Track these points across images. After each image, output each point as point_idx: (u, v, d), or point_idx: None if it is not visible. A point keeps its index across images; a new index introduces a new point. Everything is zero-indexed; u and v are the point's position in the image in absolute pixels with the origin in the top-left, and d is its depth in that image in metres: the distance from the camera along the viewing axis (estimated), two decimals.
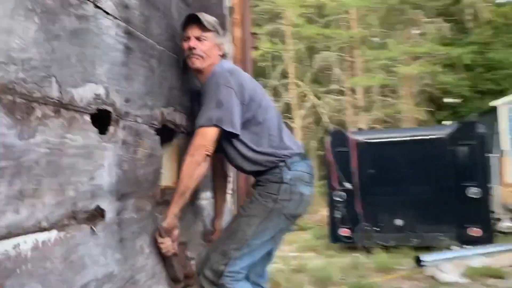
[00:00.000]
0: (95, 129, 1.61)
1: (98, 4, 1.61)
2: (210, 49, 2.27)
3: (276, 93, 18.24)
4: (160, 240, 2.02)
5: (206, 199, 2.76)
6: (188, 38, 2.25)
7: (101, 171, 1.63)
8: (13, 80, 1.20)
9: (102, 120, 1.71)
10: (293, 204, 2.28)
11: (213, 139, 2.13)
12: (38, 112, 1.32)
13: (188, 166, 2.08)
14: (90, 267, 1.56)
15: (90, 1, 1.56)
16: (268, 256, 2.50)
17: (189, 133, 2.35)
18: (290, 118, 17.77)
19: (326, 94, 18.78)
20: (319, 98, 18.68)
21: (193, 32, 2.25)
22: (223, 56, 2.38)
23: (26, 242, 1.28)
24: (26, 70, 1.25)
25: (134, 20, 1.88)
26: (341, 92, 18.87)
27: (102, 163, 1.64)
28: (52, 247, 1.39)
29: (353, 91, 18.93)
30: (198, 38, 2.25)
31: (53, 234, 1.40)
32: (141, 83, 1.92)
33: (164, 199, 2.17)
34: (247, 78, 2.34)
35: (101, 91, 1.62)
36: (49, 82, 1.35)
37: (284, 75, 18.81)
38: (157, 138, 2.09)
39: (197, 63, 2.27)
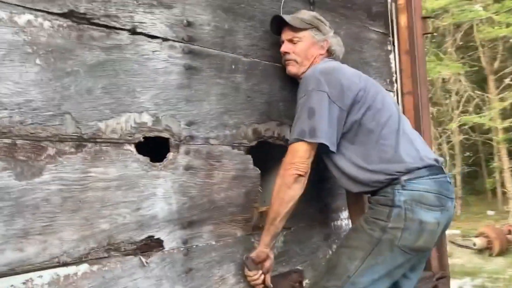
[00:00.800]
0: (142, 158, 1.57)
1: (139, 30, 1.57)
2: (306, 50, 1.98)
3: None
4: (246, 272, 1.85)
5: (345, 218, 2.43)
6: (282, 42, 2.01)
7: (151, 200, 1.58)
8: (7, 125, 1.26)
9: (160, 147, 1.67)
10: (409, 235, 1.75)
11: (305, 155, 1.80)
12: (51, 151, 1.35)
13: (278, 189, 1.83)
14: None
15: (124, 30, 1.53)
16: None
17: None
18: None
19: None
20: None
21: (285, 35, 1.98)
22: (329, 54, 2.05)
23: (42, 277, 1.33)
24: (24, 113, 1.29)
25: (202, 37, 1.77)
26: None
27: (154, 192, 1.59)
28: (80, 280, 1.40)
29: None
30: (291, 41, 1.99)
31: (82, 267, 1.41)
32: (214, 103, 1.80)
33: (263, 224, 1.98)
34: (351, 75, 1.91)
35: (145, 118, 1.57)
36: (60, 120, 1.37)
37: None
38: (248, 157, 1.93)
39: (292, 70, 2.00)
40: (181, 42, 1.70)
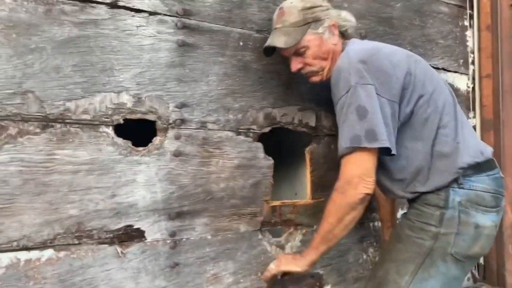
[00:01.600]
0: (121, 141, 1.47)
1: (121, 4, 1.45)
2: (318, 53, 1.62)
3: None
4: (264, 276, 1.69)
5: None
6: (285, 57, 1.69)
7: (130, 187, 1.48)
8: None
9: (147, 130, 1.56)
10: (463, 241, 1.49)
11: (369, 165, 1.46)
12: (12, 130, 1.30)
13: (338, 208, 1.49)
14: None
15: (103, 3, 1.42)
16: None
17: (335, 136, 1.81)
18: None
19: None
20: None
21: (287, 51, 1.63)
22: (344, 35, 1.69)
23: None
24: None
25: (201, 11, 1.60)
26: None
27: (134, 178, 1.49)
28: (43, 266, 1.35)
29: None
30: (297, 54, 1.63)
31: (46, 253, 1.36)
32: (214, 83, 1.63)
33: (276, 220, 1.79)
34: (393, 57, 1.55)
35: (124, 99, 1.46)
36: (22, 98, 1.31)
37: None
38: (257, 145, 1.74)
39: (316, 79, 1.68)
40: (174, 16, 1.55)
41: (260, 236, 1.76)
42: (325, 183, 1.89)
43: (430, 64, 2.16)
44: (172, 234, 1.56)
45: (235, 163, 1.68)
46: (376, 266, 1.68)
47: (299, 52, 1.62)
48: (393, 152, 1.48)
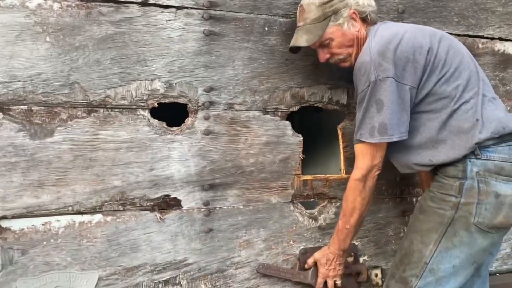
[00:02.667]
0: (157, 123, 1.70)
1: (151, 1, 1.67)
2: (342, 42, 1.69)
3: None
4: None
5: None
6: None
7: (166, 162, 1.70)
8: (21, 94, 1.53)
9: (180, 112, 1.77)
10: (485, 210, 1.52)
11: (383, 153, 1.64)
12: (63, 115, 1.59)
13: (360, 195, 1.67)
14: (147, 251, 1.68)
15: (134, 3, 1.65)
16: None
17: None
18: None
19: None
20: None
21: (313, 46, 1.71)
22: (366, 20, 1.72)
23: (59, 221, 1.60)
24: (35, 84, 1.54)
25: (226, 2, 1.76)
26: None
27: (169, 154, 1.71)
28: (94, 228, 1.63)
29: None
30: (322, 46, 1.71)
31: (96, 217, 1.64)
32: (240, 68, 1.78)
33: (308, 193, 1.91)
34: (413, 38, 1.58)
35: (157, 85, 1.68)
36: (70, 89, 1.58)
37: None
38: (285, 123, 1.86)
39: (346, 65, 1.75)
40: (201, 8, 1.73)
41: (291, 208, 1.89)
42: None
43: (482, 35, 2.11)
44: (206, 203, 1.76)
45: (263, 140, 1.83)
46: (403, 238, 1.74)
47: (324, 44, 1.70)
48: (404, 138, 1.59)
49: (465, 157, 1.54)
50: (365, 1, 1.70)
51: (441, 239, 1.57)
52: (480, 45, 2.20)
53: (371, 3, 1.72)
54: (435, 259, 1.58)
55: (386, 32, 1.64)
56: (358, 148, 1.65)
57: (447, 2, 2.15)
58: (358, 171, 1.66)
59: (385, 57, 1.54)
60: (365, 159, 1.64)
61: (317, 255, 1.82)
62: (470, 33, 2.17)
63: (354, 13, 1.67)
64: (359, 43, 1.70)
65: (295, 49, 1.75)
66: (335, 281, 1.83)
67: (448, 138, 1.57)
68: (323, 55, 1.73)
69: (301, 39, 1.68)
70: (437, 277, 1.58)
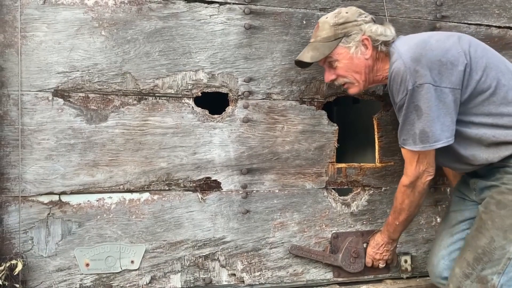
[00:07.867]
0: (200, 110, 1.84)
1: None
2: (349, 67, 1.70)
3: None
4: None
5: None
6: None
7: (208, 147, 1.84)
8: (79, 82, 1.71)
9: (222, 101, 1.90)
10: None
11: (432, 158, 1.66)
12: (116, 102, 1.76)
13: (408, 199, 1.74)
14: (189, 228, 1.84)
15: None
16: None
17: None
18: None
19: None
20: None
21: (320, 63, 1.76)
22: (385, 42, 1.69)
23: (111, 198, 1.78)
24: (91, 73, 1.71)
25: None
26: None
27: (210, 140, 1.84)
28: (142, 205, 1.80)
29: None
30: (329, 65, 1.74)
31: (144, 195, 1.81)
32: (278, 59, 1.89)
33: (342, 180, 2.00)
34: (445, 42, 1.61)
35: (201, 76, 1.82)
36: (122, 78, 1.75)
37: None
38: (321, 112, 1.96)
39: (354, 91, 1.78)
40: (242, 4, 1.84)
41: (325, 194, 1.99)
42: (393, 148, 2.03)
43: None
44: (244, 186, 1.89)
45: (299, 129, 1.93)
46: (473, 236, 1.66)
47: (330, 64, 1.73)
48: (451, 142, 1.59)
49: None
50: (381, 29, 1.69)
51: None
52: None
53: (388, 33, 1.69)
54: None
55: (413, 40, 1.65)
56: (404, 153, 1.69)
57: None
58: (407, 178, 1.70)
59: (419, 63, 1.55)
60: (412, 166, 1.67)
61: (371, 237, 1.98)
62: None
63: (366, 39, 1.67)
64: (368, 71, 1.71)
65: (303, 64, 1.77)
66: (379, 264, 1.95)
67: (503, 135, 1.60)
68: (329, 75, 1.76)
69: (306, 55, 1.71)
70: None
